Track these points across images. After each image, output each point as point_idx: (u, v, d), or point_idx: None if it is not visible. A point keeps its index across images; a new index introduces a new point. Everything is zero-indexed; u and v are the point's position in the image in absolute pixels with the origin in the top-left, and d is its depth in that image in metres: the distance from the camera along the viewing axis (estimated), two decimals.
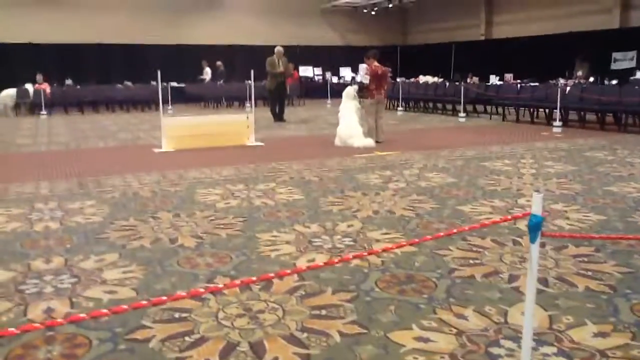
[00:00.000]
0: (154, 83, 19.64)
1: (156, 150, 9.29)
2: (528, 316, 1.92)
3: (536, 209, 1.82)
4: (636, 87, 12.71)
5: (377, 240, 4.24)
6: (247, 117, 10.28)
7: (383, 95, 10.17)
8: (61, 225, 4.80)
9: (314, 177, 6.77)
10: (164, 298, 1.70)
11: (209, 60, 22.86)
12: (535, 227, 1.82)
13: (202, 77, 22.43)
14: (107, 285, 3.44)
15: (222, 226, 4.70)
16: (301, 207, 5.33)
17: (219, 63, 22.19)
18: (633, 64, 16.83)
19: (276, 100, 14.21)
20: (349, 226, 4.64)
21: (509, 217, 2.06)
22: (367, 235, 4.40)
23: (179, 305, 3.05)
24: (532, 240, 1.85)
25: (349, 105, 9.80)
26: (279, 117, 14.06)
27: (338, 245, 4.14)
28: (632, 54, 16.99)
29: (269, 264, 3.78)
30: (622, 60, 17.40)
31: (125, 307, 1.65)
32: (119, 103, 19.38)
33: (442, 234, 2.55)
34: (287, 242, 4.23)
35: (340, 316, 2.97)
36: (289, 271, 2.41)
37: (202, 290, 2.14)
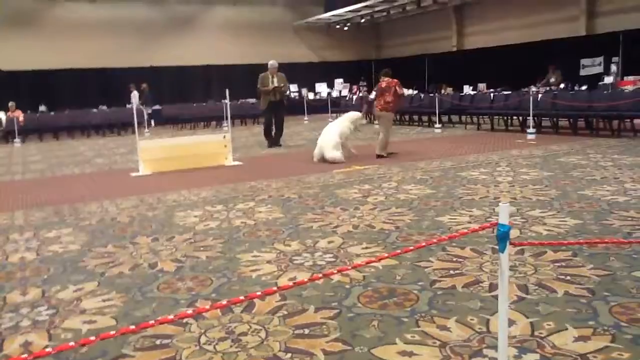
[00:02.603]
0: (129, 106, 19.56)
1: (133, 174, 9.21)
2: (502, 325, 1.94)
3: (503, 218, 1.85)
4: (605, 92, 12.98)
5: (358, 255, 4.25)
6: (224, 137, 10.28)
7: (379, 109, 9.99)
8: (37, 255, 4.72)
9: (293, 195, 6.77)
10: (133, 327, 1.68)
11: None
12: (503, 236, 1.85)
13: (132, 101, 22.01)
14: (86, 314, 3.38)
15: (202, 248, 4.67)
16: (281, 225, 5.32)
17: (144, 86, 21.87)
18: (601, 69, 17.22)
19: (270, 121, 12.38)
20: (329, 242, 4.64)
21: (477, 227, 2.09)
22: (347, 250, 4.40)
23: (160, 331, 3.01)
24: (501, 250, 1.88)
25: (339, 121, 9.95)
26: (273, 140, 12.39)
27: (319, 262, 4.13)
28: (600, 59, 17.39)
29: (250, 284, 3.76)
30: (590, 66, 17.80)
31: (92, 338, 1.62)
32: (94, 128, 19.21)
33: (423, 244, 2.56)
34: (268, 262, 4.21)
35: (323, 334, 2.95)
36: (259, 293, 2.40)
37: (170, 318, 2.10)
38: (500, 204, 1.92)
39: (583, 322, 2.95)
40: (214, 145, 10.26)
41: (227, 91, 11.41)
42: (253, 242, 4.76)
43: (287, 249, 4.51)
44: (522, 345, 2.73)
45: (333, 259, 4.19)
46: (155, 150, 9.83)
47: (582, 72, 17.80)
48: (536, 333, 2.85)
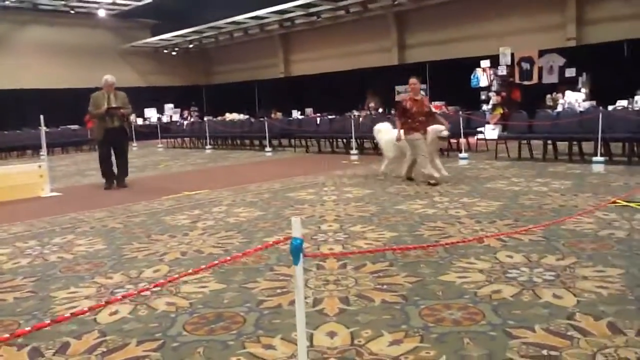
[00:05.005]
0: None
1: None
2: (301, 336, 2.01)
3: (296, 232, 1.94)
4: None
5: (185, 282, 4.14)
6: (40, 166, 9.45)
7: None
8: None
9: (118, 224, 6.42)
10: None
11: None
12: (296, 249, 1.94)
13: None
14: None
15: (9, 289, 4.20)
16: (103, 257, 5.00)
17: None
18: None
19: (108, 154, 9.52)
20: (155, 271, 4.47)
21: (273, 241, 2.17)
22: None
23: None
24: (295, 263, 1.96)
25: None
26: (118, 179, 9.67)
27: (143, 293, 3.95)
28: None
29: (65, 324, 3.46)
30: (403, 92, 19.55)
31: None
32: None
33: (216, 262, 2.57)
34: (87, 297, 3.93)
35: None
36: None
37: None
38: (292, 219, 2.01)
39: (396, 326, 3.17)
40: (27, 176, 9.37)
41: (42, 117, 10.50)
42: (70, 278, 4.41)
43: (109, 282, 4.25)
44: (343, 355, 2.85)
45: (158, 288, 4.03)
46: None
47: (397, 98, 19.48)
48: (355, 342, 3.00)
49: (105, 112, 9.28)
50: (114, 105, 9.31)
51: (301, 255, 1.97)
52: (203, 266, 2.53)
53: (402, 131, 8.34)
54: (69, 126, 20.78)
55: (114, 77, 9.52)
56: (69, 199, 8.70)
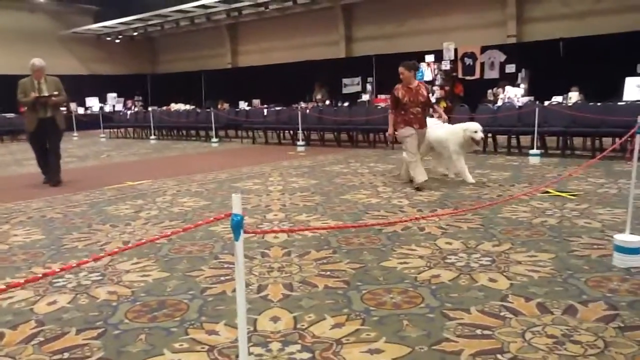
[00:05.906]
0: None
1: None
2: (241, 316, 2.04)
3: (236, 209, 1.98)
4: (363, 108, 14.49)
5: (128, 271, 4.09)
6: None
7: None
8: None
9: (57, 214, 6.24)
10: None
11: None
12: (237, 225, 1.98)
13: None
14: None
15: None
16: (41, 247, 4.86)
17: None
18: (359, 88, 19.25)
19: (42, 147, 8.50)
20: (95, 261, 4.38)
21: (211, 218, 2.19)
22: (116, 267, 4.20)
23: None
24: (236, 238, 2.00)
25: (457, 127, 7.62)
26: (51, 176, 8.57)
27: (84, 282, 3.88)
28: (358, 79, 19.42)
29: (1, 314, 3.36)
30: (350, 85, 19.77)
31: None
32: None
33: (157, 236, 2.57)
34: (24, 288, 3.82)
35: (85, 356, 2.78)
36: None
37: None
38: (233, 195, 2.04)
39: (339, 310, 3.24)
40: None
41: None
42: (6, 269, 4.27)
43: (47, 272, 4.13)
44: (286, 338, 2.90)
45: (100, 277, 3.97)
46: None
47: (344, 90, 19.69)
48: (298, 326, 3.05)
49: (34, 100, 8.14)
50: (45, 94, 8.16)
51: (242, 231, 2.00)
52: (134, 243, 2.52)
53: (393, 127, 7.35)
54: (4, 114, 19.93)
55: (44, 61, 8.40)
56: (4, 189, 8.38)
